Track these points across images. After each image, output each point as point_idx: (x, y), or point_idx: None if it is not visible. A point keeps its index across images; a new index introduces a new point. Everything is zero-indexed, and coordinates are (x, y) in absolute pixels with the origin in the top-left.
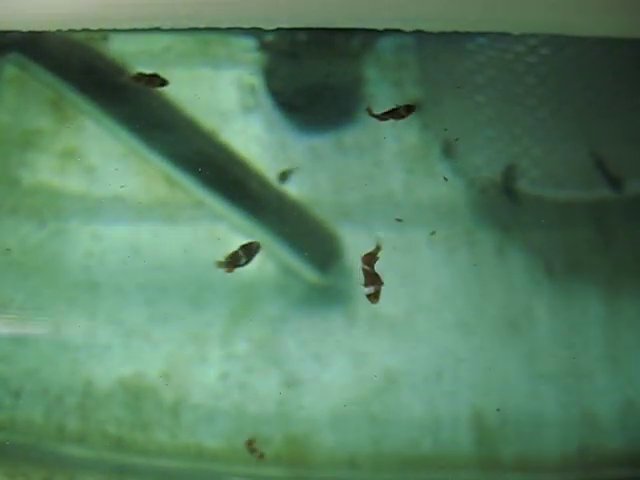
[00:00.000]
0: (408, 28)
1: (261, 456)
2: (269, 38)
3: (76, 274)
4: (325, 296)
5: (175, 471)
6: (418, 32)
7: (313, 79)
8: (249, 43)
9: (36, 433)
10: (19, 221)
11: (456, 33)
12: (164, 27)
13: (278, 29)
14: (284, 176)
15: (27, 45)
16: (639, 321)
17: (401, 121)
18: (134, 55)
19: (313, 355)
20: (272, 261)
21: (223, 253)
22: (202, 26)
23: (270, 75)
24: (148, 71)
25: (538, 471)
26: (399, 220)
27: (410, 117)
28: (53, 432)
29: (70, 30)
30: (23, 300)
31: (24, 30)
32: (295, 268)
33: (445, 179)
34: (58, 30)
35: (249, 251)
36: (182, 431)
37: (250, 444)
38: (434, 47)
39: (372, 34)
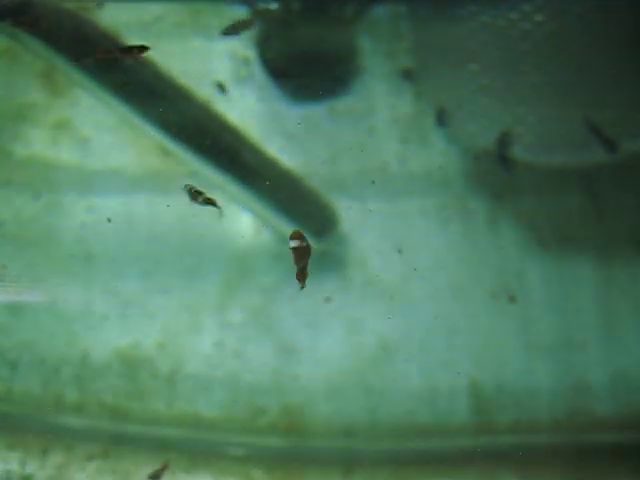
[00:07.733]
0: None
1: None
2: (261, 6)
3: (71, 246)
4: (320, 263)
5: (172, 440)
6: None
7: (306, 47)
8: (241, 12)
9: (34, 404)
10: (13, 194)
11: None
12: None
13: None
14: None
15: (18, 14)
16: (632, 290)
17: (395, 90)
18: (126, 25)
19: (308, 323)
20: (267, 230)
21: (217, 223)
22: None
23: (263, 44)
24: (139, 42)
25: (530, 434)
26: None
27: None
28: (51, 403)
29: None
30: (18, 272)
31: None
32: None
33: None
34: None
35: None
36: (178, 400)
37: None
38: (427, 15)
39: (365, 1)
